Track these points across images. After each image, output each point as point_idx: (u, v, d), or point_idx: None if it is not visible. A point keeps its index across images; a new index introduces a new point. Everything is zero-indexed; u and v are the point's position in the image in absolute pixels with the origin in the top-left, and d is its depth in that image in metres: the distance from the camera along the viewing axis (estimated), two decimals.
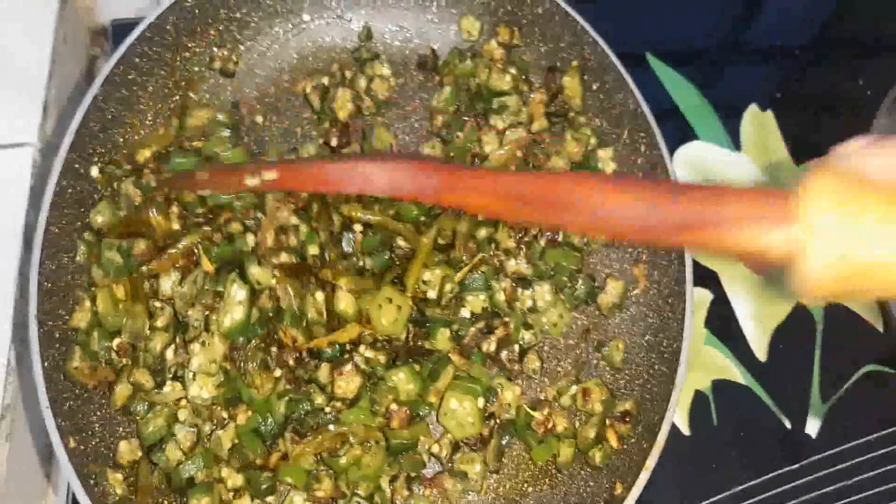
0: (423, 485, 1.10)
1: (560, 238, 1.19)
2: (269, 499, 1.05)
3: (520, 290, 1.16)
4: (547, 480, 1.13)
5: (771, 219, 0.69)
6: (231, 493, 1.05)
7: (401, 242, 1.17)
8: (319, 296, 1.11)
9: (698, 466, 1.21)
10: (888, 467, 1.20)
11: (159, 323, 1.09)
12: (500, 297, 1.16)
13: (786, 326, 1.29)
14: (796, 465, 1.21)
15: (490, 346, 1.14)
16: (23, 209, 1.17)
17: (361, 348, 1.10)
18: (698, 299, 1.28)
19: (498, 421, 1.13)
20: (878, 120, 1.29)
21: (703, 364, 1.27)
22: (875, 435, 1.22)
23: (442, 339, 1.13)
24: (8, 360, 1.10)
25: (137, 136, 1.21)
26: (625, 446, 1.11)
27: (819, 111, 1.46)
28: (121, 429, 1.10)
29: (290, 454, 1.05)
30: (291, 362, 1.09)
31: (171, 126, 1.22)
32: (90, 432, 1.06)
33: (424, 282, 1.14)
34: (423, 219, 1.19)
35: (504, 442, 1.13)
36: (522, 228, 1.19)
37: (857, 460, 1.21)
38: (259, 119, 1.27)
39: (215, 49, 1.27)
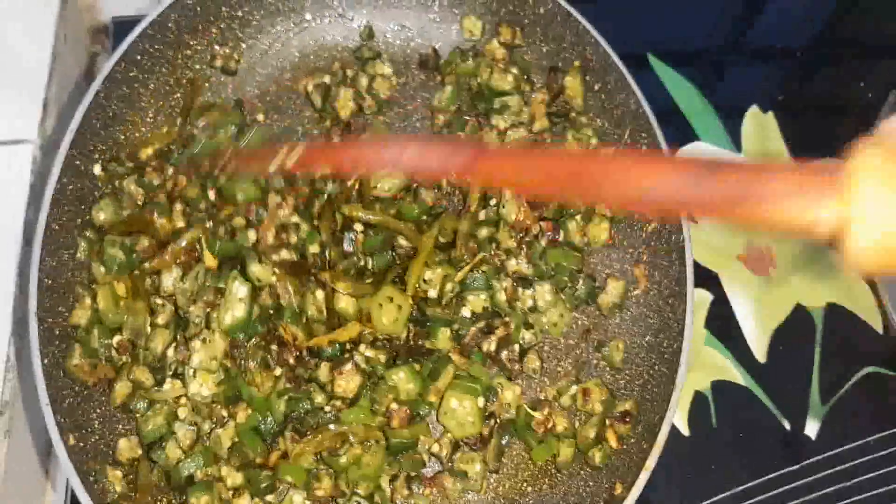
0: (422, 484, 1.10)
1: (561, 238, 1.19)
2: (269, 497, 1.05)
3: (520, 289, 1.16)
4: (546, 480, 1.13)
5: (818, 193, 0.68)
6: (231, 492, 1.05)
7: (402, 241, 1.17)
8: (320, 294, 1.11)
9: (697, 467, 1.21)
10: (887, 469, 1.20)
11: (160, 320, 1.09)
12: (501, 296, 1.16)
13: (785, 328, 1.30)
14: (795, 467, 1.21)
15: (490, 345, 1.14)
16: (23, 206, 1.17)
17: (362, 347, 1.10)
18: (698, 300, 1.28)
19: (498, 420, 1.13)
20: (880, 121, 1.29)
21: (702, 365, 1.27)
22: (874, 437, 1.23)
23: (442, 339, 1.13)
24: (7, 356, 1.10)
25: (138, 133, 1.21)
26: (624, 446, 1.11)
27: (820, 113, 1.46)
28: (120, 426, 1.10)
29: (289, 453, 1.05)
30: (292, 361, 1.09)
31: (174, 124, 1.22)
32: (90, 429, 1.06)
33: (425, 281, 1.14)
34: (424, 218, 1.19)
35: (504, 442, 1.13)
36: (523, 228, 1.19)
37: (856, 462, 1.21)
38: (260, 117, 1.27)
39: (217, 47, 1.27)
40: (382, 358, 1.10)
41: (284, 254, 1.11)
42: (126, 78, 1.18)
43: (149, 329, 1.09)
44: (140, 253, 1.11)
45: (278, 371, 1.08)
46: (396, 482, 1.09)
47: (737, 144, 1.40)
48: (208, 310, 1.09)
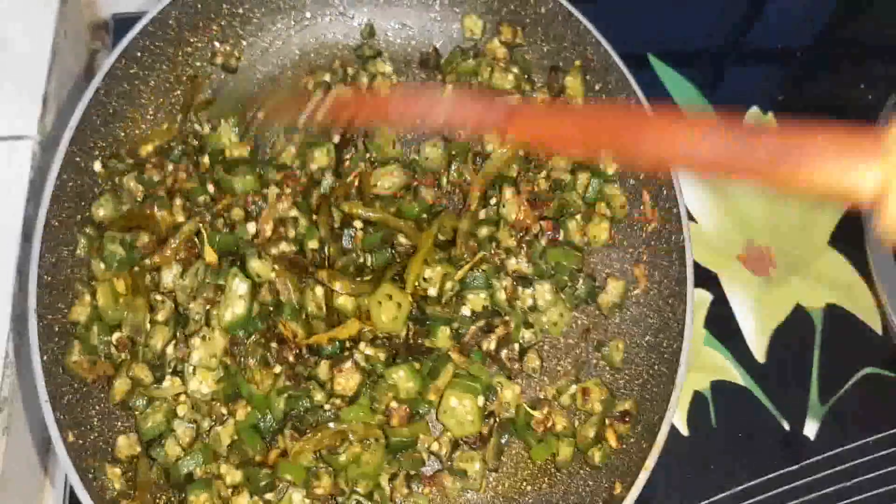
0: (422, 483, 1.10)
1: (561, 237, 1.19)
2: (268, 496, 1.05)
3: (520, 288, 1.16)
4: (546, 479, 1.13)
5: (860, 158, 0.67)
6: (230, 490, 1.05)
7: (402, 239, 1.17)
8: (319, 290, 1.11)
9: (697, 467, 1.21)
10: (886, 469, 1.20)
11: (160, 317, 1.09)
12: (501, 295, 1.16)
13: (785, 328, 1.30)
14: (795, 467, 1.21)
15: (490, 344, 1.14)
16: (22, 202, 1.17)
17: (361, 345, 1.10)
18: (698, 300, 1.28)
19: (497, 419, 1.13)
20: (880, 123, 1.29)
21: (702, 365, 1.27)
22: (873, 437, 1.22)
23: (442, 337, 1.13)
24: (6, 352, 1.09)
25: (138, 130, 1.21)
26: (624, 446, 1.11)
27: (821, 114, 1.45)
28: (119, 423, 1.09)
29: (289, 451, 1.05)
30: (291, 358, 1.09)
31: (174, 121, 1.22)
32: (89, 426, 1.06)
33: (425, 279, 1.14)
34: (424, 216, 1.19)
35: (503, 440, 1.13)
36: (523, 228, 1.19)
37: (855, 462, 1.21)
38: (261, 115, 1.26)
39: (217, 44, 1.27)
40: (382, 356, 1.10)
41: (284, 246, 1.11)
42: (126, 75, 1.18)
43: (148, 326, 1.09)
44: (140, 249, 1.11)
45: (278, 369, 1.08)
46: (396, 481, 1.08)
47: None
48: (208, 307, 1.09)
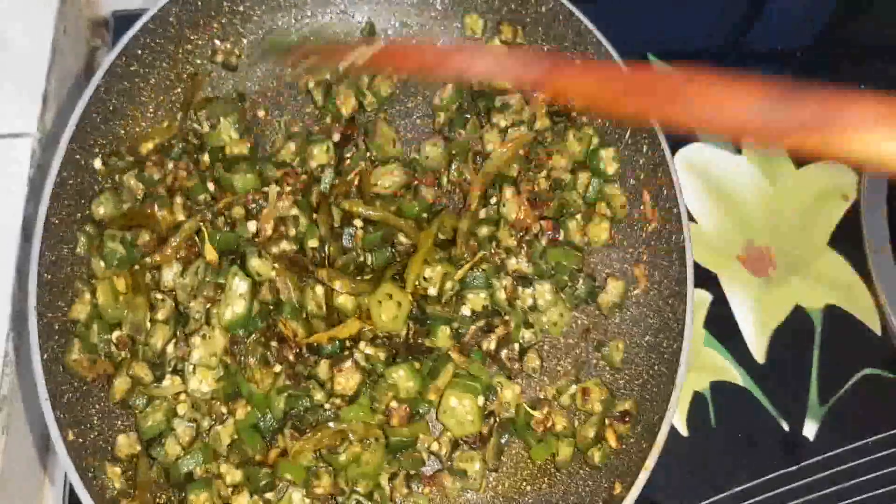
0: (422, 483, 1.10)
1: (561, 237, 1.19)
2: (268, 495, 1.05)
3: (520, 288, 1.16)
4: (546, 479, 1.13)
5: None
6: (230, 489, 1.05)
7: (402, 238, 1.17)
8: (319, 289, 1.11)
9: (696, 467, 1.21)
10: (885, 470, 1.20)
11: (160, 315, 1.09)
12: (501, 295, 1.16)
13: (784, 329, 1.30)
14: (794, 468, 1.21)
15: (490, 344, 1.14)
16: (22, 200, 1.17)
17: (361, 345, 1.10)
18: (698, 300, 1.28)
19: (497, 419, 1.13)
20: None
21: (701, 365, 1.27)
22: (872, 438, 1.23)
23: (442, 337, 1.13)
24: (6, 351, 1.09)
25: (139, 128, 1.21)
26: (624, 446, 1.11)
27: None
28: (119, 422, 1.09)
29: (289, 450, 1.05)
30: (291, 358, 1.08)
31: (174, 119, 1.21)
32: (89, 425, 1.06)
33: (425, 279, 1.14)
34: (424, 215, 1.19)
35: (503, 440, 1.13)
36: (524, 227, 1.19)
37: (854, 463, 1.21)
38: (261, 113, 1.27)
39: (218, 42, 1.26)
40: (382, 355, 1.10)
41: (284, 245, 1.11)
42: (127, 72, 1.18)
43: (148, 324, 1.09)
44: (140, 247, 1.11)
45: (278, 368, 1.08)
46: (396, 480, 1.08)
47: (736, 146, 1.40)
48: (208, 305, 1.08)
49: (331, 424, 1.06)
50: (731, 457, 1.22)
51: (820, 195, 1.37)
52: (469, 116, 1.25)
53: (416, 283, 1.13)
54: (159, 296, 1.10)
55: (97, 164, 1.14)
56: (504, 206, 1.18)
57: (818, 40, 1.54)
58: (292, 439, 1.05)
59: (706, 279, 1.31)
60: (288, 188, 1.16)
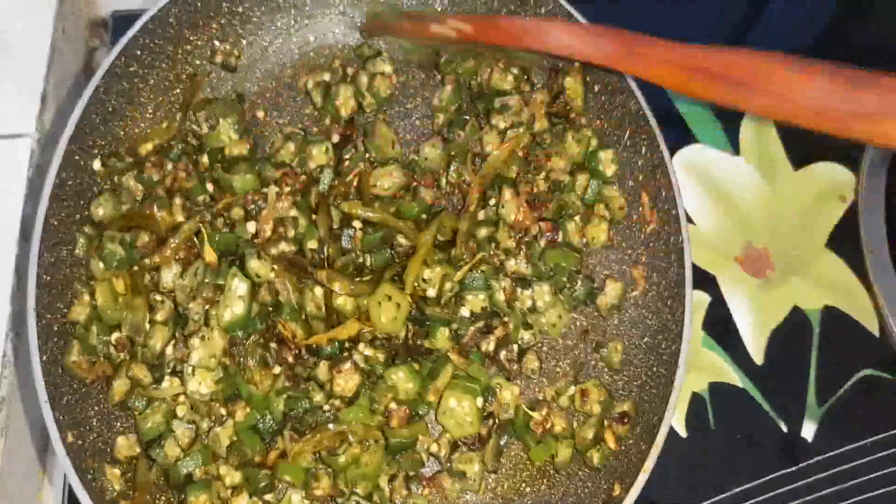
0: (421, 484, 1.10)
1: (560, 239, 1.19)
2: (268, 497, 1.05)
3: (519, 289, 1.16)
4: (545, 481, 1.13)
5: None
6: (229, 491, 1.05)
7: (401, 240, 1.17)
8: (318, 290, 1.11)
9: (695, 468, 1.21)
10: (884, 471, 1.21)
11: (159, 317, 1.09)
12: (500, 296, 1.16)
13: (783, 330, 1.30)
14: (792, 469, 1.21)
15: (489, 345, 1.14)
16: (20, 201, 1.17)
17: (360, 346, 1.10)
18: (696, 302, 1.28)
19: (496, 421, 1.13)
20: None
21: (700, 366, 1.27)
22: (871, 439, 1.23)
23: (441, 338, 1.13)
24: (5, 352, 1.09)
25: (138, 129, 1.21)
26: (623, 447, 1.11)
27: None
28: (119, 424, 1.09)
29: (288, 452, 1.05)
30: (290, 359, 1.09)
31: (174, 120, 1.21)
32: (88, 427, 1.06)
33: (424, 280, 1.14)
34: (423, 217, 1.19)
35: (502, 442, 1.13)
36: (522, 229, 1.19)
37: (852, 464, 1.21)
38: (260, 114, 1.26)
39: (217, 43, 1.26)
40: (381, 357, 1.10)
41: (283, 246, 1.11)
42: (126, 73, 1.18)
43: (147, 326, 1.09)
44: (139, 248, 1.11)
45: (277, 369, 1.08)
46: (395, 482, 1.09)
47: (735, 147, 1.40)
48: (207, 307, 1.08)
49: (330, 426, 1.05)
50: (730, 458, 1.22)
51: (818, 196, 1.37)
52: (468, 118, 1.25)
53: (416, 284, 1.13)
54: (158, 297, 1.10)
55: (96, 164, 1.14)
56: (503, 207, 1.18)
57: (818, 41, 1.54)
58: (292, 441, 1.05)
59: (705, 280, 1.31)
60: (287, 189, 1.16)
